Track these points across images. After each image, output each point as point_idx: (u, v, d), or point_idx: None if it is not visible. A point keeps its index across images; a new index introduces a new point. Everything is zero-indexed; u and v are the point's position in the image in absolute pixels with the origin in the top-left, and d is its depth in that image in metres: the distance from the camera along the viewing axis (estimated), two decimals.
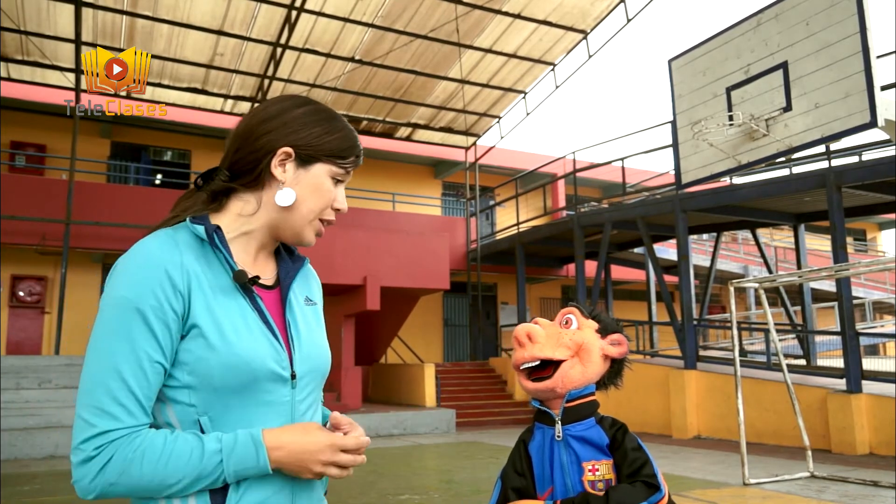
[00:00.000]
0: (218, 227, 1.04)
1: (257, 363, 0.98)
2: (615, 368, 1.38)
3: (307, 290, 1.18)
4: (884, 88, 6.95)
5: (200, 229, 1.02)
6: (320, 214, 1.11)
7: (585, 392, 1.31)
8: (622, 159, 12.52)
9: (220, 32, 11.46)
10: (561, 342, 1.32)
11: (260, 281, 1.08)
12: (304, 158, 1.08)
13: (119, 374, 0.93)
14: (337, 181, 1.12)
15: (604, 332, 1.37)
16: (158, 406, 0.99)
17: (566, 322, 1.36)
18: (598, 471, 1.25)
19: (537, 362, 1.30)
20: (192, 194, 1.12)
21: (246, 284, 1.03)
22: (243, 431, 0.97)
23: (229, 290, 1.02)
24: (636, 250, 14.83)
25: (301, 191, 1.08)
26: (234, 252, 1.06)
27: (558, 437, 1.28)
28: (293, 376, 1.04)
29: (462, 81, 13.52)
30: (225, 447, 0.94)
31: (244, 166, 1.08)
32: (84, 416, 0.92)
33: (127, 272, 0.97)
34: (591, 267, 14.21)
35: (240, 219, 1.09)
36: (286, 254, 1.16)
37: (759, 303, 16.41)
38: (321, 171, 1.09)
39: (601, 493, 1.22)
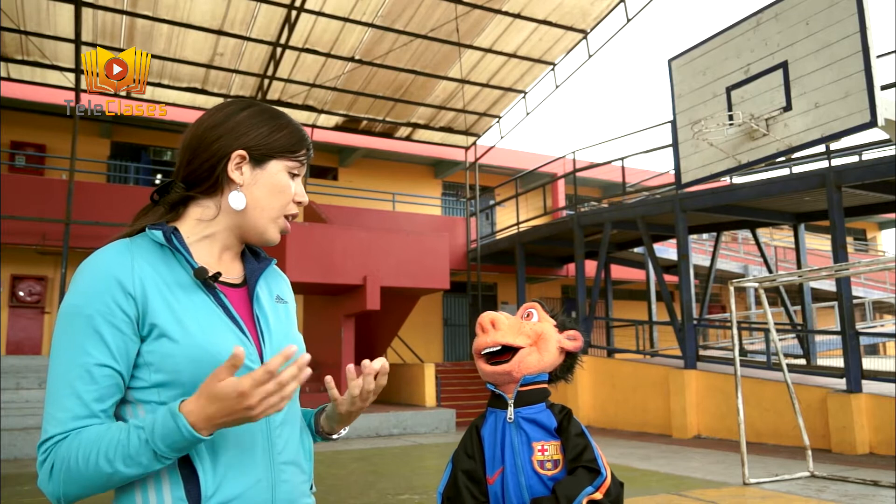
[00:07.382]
0: (175, 229, 1.06)
1: (223, 356, 0.98)
2: (568, 363, 1.46)
3: (277, 289, 1.20)
4: (884, 88, 6.95)
5: (158, 234, 1.04)
6: (283, 210, 1.13)
7: (539, 379, 1.38)
8: (622, 159, 12.53)
9: (219, 32, 11.46)
10: (522, 331, 1.39)
11: (225, 279, 1.09)
12: (258, 158, 1.10)
13: (66, 381, 0.95)
14: (293, 174, 1.14)
15: (561, 328, 1.45)
16: (128, 408, 1.00)
17: (528, 315, 1.44)
18: (547, 451, 1.32)
19: (498, 348, 1.37)
20: (149, 209, 1.13)
21: (207, 281, 1.04)
22: (164, 406, 0.96)
23: (191, 288, 1.03)
24: (636, 250, 14.82)
25: (261, 190, 1.10)
26: (195, 254, 1.07)
27: (510, 419, 1.35)
28: None
29: (462, 81, 13.52)
30: (146, 422, 0.93)
31: (201, 174, 1.09)
32: (43, 424, 0.96)
33: (78, 281, 1.00)
34: (591, 267, 14.21)
35: (200, 224, 1.10)
36: (252, 255, 1.18)
37: (759, 302, 16.41)
38: (277, 168, 1.12)
39: (549, 472, 1.30)
